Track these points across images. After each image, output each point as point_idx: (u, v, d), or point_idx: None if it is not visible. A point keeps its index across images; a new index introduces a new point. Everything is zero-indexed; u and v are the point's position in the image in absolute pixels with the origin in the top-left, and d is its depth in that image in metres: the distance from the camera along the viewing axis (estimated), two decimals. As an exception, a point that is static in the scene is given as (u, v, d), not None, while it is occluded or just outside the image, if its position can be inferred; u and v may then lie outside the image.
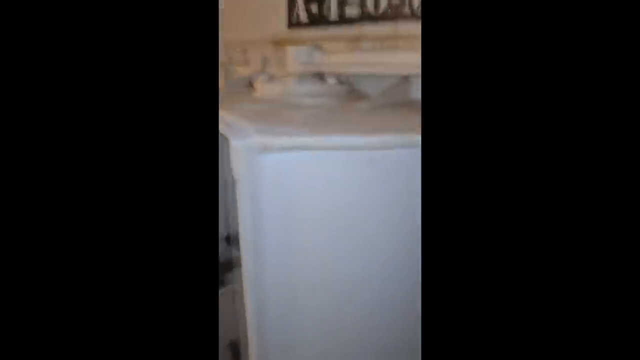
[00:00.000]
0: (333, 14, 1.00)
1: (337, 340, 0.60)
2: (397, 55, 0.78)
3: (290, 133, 0.51)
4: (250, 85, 0.96)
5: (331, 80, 0.82)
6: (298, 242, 0.53)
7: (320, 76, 0.86)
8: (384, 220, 0.55)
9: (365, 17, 0.96)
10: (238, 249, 0.71)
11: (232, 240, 1.22)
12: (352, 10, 0.98)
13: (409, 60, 0.75)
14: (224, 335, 1.33)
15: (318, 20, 1.07)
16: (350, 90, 0.87)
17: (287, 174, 0.50)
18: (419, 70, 0.72)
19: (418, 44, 0.72)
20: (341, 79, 0.86)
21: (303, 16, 1.08)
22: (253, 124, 0.56)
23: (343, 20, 1.01)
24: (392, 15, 0.91)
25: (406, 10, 0.89)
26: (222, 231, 1.21)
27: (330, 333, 0.59)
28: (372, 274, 0.57)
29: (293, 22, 1.11)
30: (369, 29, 0.95)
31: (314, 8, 1.05)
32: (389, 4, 0.91)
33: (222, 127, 0.54)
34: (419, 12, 0.86)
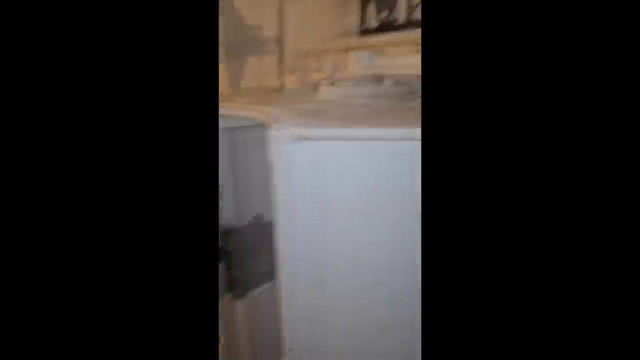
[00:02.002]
0: (401, 18, 1.02)
1: (364, 322, 0.61)
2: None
3: (324, 126, 0.55)
4: (316, 88, 1.02)
5: (388, 82, 0.84)
6: (326, 225, 0.56)
7: (379, 79, 0.88)
8: (404, 209, 0.55)
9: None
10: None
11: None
12: (419, 14, 0.98)
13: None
14: (280, 344, 1.39)
15: (387, 26, 1.09)
16: (410, 91, 0.87)
17: (317, 162, 0.54)
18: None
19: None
20: (400, 81, 0.87)
21: (373, 23, 1.11)
22: (296, 118, 0.61)
23: (410, 24, 1.01)
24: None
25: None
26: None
27: (357, 314, 0.60)
28: (395, 259, 0.57)
29: (363, 30, 1.15)
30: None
31: (384, 14, 1.08)
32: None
33: (266, 119, 0.60)
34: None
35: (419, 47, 0.95)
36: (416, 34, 0.97)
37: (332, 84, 0.93)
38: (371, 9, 1.11)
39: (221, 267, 1.11)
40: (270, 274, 1.20)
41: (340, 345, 0.68)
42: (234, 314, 1.19)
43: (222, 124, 0.98)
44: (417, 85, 0.88)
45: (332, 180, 0.55)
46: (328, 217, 0.57)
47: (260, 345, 1.29)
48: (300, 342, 0.68)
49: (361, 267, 0.60)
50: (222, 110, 0.79)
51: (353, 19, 1.16)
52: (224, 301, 1.15)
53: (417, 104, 0.73)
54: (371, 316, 0.64)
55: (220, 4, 1.40)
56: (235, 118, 0.75)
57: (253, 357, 1.30)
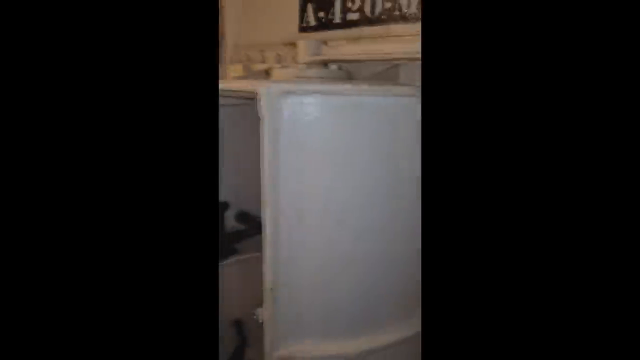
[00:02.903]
0: (337, 18, 1.20)
1: (335, 254, 0.74)
2: (389, 45, 0.96)
3: (304, 84, 0.68)
4: (267, 74, 1.14)
5: (333, 67, 1.00)
6: (306, 168, 0.69)
7: (325, 64, 1.04)
8: (373, 156, 0.71)
9: (364, 20, 1.15)
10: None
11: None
12: (353, 15, 1.17)
13: (398, 49, 0.93)
14: (229, 312, 1.45)
15: (325, 24, 1.26)
16: (349, 74, 1.05)
17: (300, 114, 0.67)
18: (406, 57, 0.89)
19: (407, 39, 0.90)
20: (341, 66, 1.04)
21: (312, 21, 1.28)
22: (274, 84, 0.73)
23: (345, 23, 1.20)
24: (386, 18, 1.11)
25: (396, 13, 1.08)
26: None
27: (329, 247, 0.74)
28: (361, 200, 0.72)
29: (303, 26, 1.31)
30: (367, 30, 1.14)
31: (322, 14, 1.25)
32: (383, 9, 1.10)
33: (250, 88, 0.71)
34: (407, 15, 1.05)
35: (355, 42, 1.14)
36: (351, 31, 1.16)
37: (284, 67, 1.06)
38: (309, 9, 1.27)
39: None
40: (222, 254, 1.26)
41: (313, 280, 0.80)
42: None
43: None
44: (354, 69, 1.07)
45: (310, 129, 0.68)
46: (305, 162, 0.70)
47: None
48: (280, 280, 0.78)
49: (331, 206, 0.74)
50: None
51: (293, 17, 1.31)
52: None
53: (362, 84, 0.90)
54: (339, 250, 0.77)
55: None
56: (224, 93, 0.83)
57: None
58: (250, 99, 0.84)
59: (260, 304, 0.83)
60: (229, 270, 1.36)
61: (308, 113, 0.67)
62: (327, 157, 0.69)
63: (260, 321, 0.85)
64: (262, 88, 0.65)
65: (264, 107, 0.65)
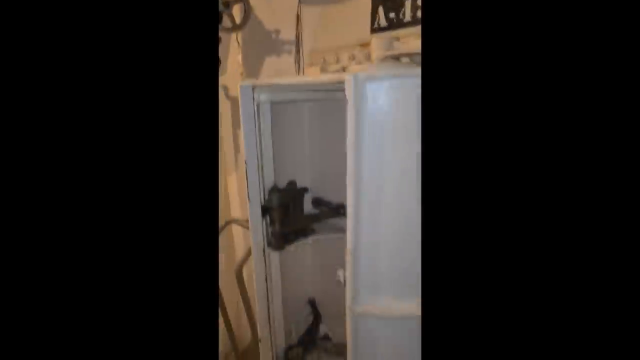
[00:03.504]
0: (407, 17, 1.30)
1: (409, 222, 0.85)
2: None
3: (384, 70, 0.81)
4: (345, 69, 1.28)
5: (405, 60, 1.11)
6: (385, 146, 0.81)
7: (397, 58, 1.15)
8: None
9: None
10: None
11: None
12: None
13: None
14: (305, 291, 1.60)
15: (395, 24, 1.37)
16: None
17: (382, 97, 0.79)
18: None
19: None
20: (414, 60, 1.14)
21: (383, 22, 1.40)
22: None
23: (415, 21, 1.30)
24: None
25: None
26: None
27: (403, 216, 0.84)
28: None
29: (375, 28, 1.43)
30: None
31: (392, 14, 1.36)
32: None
33: (338, 77, 0.85)
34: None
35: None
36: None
37: (359, 63, 1.19)
38: (380, 12, 1.40)
39: (264, 222, 1.32)
40: (302, 233, 1.41)
41: (389, 246, 0.91)
42: (271, 264, 1.39)
43: (284, 96, 1.21)
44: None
45: (388, 111, 0.80)
46: (384, 140, 0.81)
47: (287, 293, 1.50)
48: (360, 244, 0.90)
49: (406, 178, 0.84)
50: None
51: (365, 19, 1.44)
52: (265, 253, 1.35)
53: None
54: (412, 218, 0.87)
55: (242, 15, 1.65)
56: (317, 84, 0.98)
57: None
58: (334, 90, 0.97)
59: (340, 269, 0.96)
60: (304, 250, 1.51)
61: (389, 95, 0.79)
62: (403, 136, 0.80)
63: (342, 281, 0.97)
64: (349, 75, 0.79)
65: (351, 92, 0.78)
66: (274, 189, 1.31)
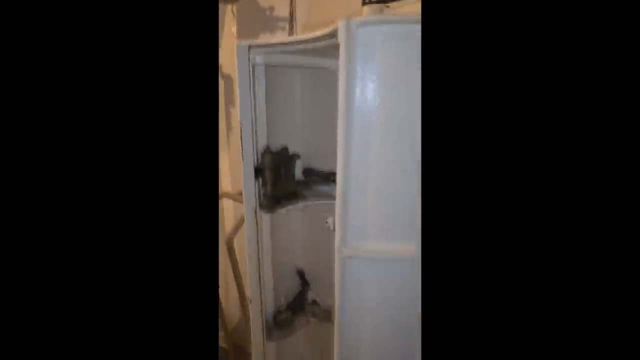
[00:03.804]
0: (397, -11, 1.37)
1: (395, 166, 0.90)
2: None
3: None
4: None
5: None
6: (376, 88, 0.86)
7: (387, 24, 1.21)
8: None
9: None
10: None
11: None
12: (411, -14, 1.34)
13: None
14: (294, 258, 1.64)
15: (385, -2, 1.44)
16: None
17: (372, 42, 0.85)
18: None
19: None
20: (402, 26, 1.21)
21: (374, -4, 1.46)
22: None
23: (405, -6, 1.37)
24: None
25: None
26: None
27: (389, 160, 0.90)
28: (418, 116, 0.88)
29: (366, 2, 1.50)
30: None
31: (383, -11, 1.43)
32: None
33: (330, 27, 0.90)
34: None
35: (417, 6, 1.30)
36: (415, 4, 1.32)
37: (351, 30, 1.25)
38: (372, -13, 1.46)
39: (256, 183, 1.36)
40: (293, 197, 1.46)
41: (376, 190, 0.96)
42: (262, 227, 1.43)
43: (269, 59, 1.26)
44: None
45: (380, 58, 0.85)
46: (375, 82, 0.87)
47: (277, 259, 1.54)
48: (350, 190, 0.95)
49: (393, 121, 0.90)
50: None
51: (357, -6, 1.50)
52: (257, 214, 1.39)
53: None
54: (398, 162, 0.93)
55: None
56: (312, 39, 1.03)
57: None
58: (327, 57, 1.03)
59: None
60: (295, 215, 1.55)
61: (380, 40, 0.84)
62: (394, 81, 0.86)
63: (332, 228, 1.02)
64: (341, 21, 0.84)
65: (343, 38, 0.84)
66: (267, 151, 1.36)
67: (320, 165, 1.54)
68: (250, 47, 1.18)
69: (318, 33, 1.00)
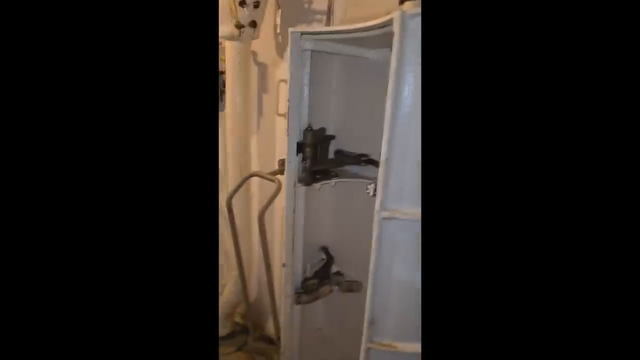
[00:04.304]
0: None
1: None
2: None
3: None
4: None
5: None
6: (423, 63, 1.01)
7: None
8: None
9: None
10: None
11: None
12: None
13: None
14: (318, 239, 1.78)
15: (421, -3, 1.58)
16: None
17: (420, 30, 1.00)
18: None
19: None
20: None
21: (410, -5, 1.61)
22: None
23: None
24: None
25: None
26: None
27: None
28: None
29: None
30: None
31: (419, -12, 1.57)
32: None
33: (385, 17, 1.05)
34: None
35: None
36: None
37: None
38: (408, -14, 1.61)
39: (298, 157, 1.51)
40: (327, 174, 1.60)
41: (413, 159, 1.10)
42: (298, 199, 1.58)
43: (316, 46, 1.40)
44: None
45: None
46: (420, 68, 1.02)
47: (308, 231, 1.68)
48: (391, 156, 1.09)
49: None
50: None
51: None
52: (295, 186, 1.54)
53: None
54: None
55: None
56: (364, 28, 1.17)
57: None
58: (369, 48, 1.17)
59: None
60: (327, 190, 1.70)
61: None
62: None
63: (372, 194, 1.17)
64: (396, 11, 0.99)
65: (397, 26, 0.98)
66: (308, 129, 1.50)
67: (351, 148, 1.69)
68: (302, 33, 1.33)
69: (370, 23, 1.15)
